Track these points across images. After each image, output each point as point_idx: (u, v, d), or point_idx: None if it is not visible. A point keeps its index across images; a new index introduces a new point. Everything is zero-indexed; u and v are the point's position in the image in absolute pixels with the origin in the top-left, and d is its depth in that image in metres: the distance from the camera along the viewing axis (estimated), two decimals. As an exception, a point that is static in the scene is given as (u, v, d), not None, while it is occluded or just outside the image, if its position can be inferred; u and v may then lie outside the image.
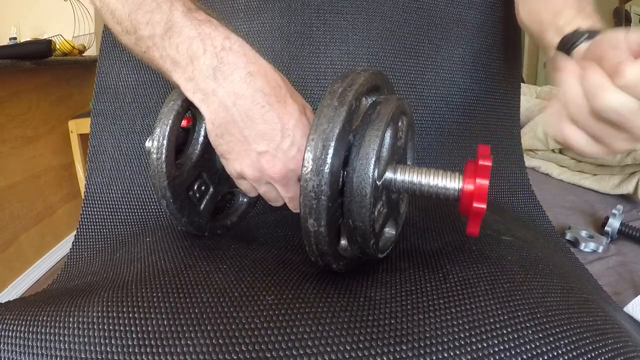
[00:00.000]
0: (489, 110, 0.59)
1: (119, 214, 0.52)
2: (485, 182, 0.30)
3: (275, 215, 0.48)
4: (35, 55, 1.34)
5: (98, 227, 0.51)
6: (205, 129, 0.36)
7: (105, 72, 0.57)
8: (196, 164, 0.39)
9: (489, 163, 0.30)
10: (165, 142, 0.35)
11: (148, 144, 0.36)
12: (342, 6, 0.56)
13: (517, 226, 0.46)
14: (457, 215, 0.44)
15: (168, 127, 0.35)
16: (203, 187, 0.40)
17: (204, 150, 0.39)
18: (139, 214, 0.52)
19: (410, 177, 0.32)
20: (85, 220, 0.52)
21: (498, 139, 0.58)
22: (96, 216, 0.52)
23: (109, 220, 0.52)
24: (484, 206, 0.29)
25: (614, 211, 0.60)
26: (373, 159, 0.28)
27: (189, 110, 0.36)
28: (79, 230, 0.51)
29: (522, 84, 0.95)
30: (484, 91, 0.59)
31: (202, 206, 0.40)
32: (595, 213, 0.71)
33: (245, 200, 0.46)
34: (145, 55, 0.34)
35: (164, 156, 0.35)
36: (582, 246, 0.57)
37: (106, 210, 0.52)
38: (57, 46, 1.60)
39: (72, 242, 0.50)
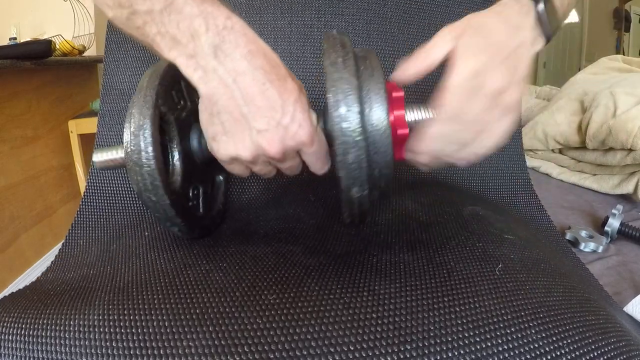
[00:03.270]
0: (490, 110, 0.59)
1: (117, 203, 0.53)
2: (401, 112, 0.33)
3: (276, 211, 0.48)
4: (35, 55, 1.34)
5: (95, 216, 0.52)
6: (178, 136, 0.36)
7: (111, 72, 0.57)
8: (185, 173, 0.37)
9: (401, 94, 0.33)
10: (154, 164, 0.32)
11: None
12: (342, 7, 0.56)
13: (519, 226, 0.46)
14: (460, 210, 0.45)
15: (154, 159, 0.32)
16: (195, 192, 0.40)
17: (184, 160, 0.37)
18: (138, 205, 0.52)
19: None
20: (84, 208, 0.52)
21: (499, 138, 0.58)
22: (95, 205, 0.53)
23: (106, 210, 0.52)
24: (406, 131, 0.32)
25: (613, 211, 0.60)
26: (386, 113, 0.30)
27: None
28: (76, 218, 0.51)
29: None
30: (485, 91, 0.59)
31: (201, 210, 0.40)
32: (595, 213, 0.70)
33: (221, 178, 0.46)
34: (138, 30, 0.33)
35: (159, 180, 0.32)
36: (582, 246, 0.57)
37: (105, 200, 0.53)
38: (57, 46, 1.60)
39: (68, 230, 0.50)
